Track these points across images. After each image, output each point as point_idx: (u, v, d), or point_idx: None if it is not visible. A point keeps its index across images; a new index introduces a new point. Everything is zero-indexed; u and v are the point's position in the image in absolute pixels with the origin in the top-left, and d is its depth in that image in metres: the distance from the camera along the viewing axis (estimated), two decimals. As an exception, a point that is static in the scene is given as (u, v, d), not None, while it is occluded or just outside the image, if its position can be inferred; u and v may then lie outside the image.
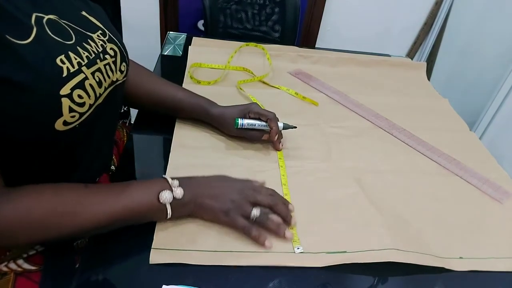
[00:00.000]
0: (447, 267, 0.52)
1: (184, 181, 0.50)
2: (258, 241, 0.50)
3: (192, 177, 0.53)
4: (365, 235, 0.54)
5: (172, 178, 0.50)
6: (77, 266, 0.54)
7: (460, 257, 0.54)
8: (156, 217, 0.50)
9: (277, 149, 0.69)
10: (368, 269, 0.51)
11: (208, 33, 1.36)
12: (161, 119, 0.73)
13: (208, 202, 0.51)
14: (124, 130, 0.77)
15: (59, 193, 0.45)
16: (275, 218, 0.52)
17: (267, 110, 0.66)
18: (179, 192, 0.49)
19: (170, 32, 1.11)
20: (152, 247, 0.48)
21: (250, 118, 0.66)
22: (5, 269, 0.52)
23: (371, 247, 0.52)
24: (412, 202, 0.62)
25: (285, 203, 0.55)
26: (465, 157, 0.73)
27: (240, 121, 0.66)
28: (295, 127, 0.69)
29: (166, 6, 1.60)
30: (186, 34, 1.10)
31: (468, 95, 1.60)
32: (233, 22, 1.37)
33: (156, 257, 0.47)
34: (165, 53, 1.00)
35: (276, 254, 0.50)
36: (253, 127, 0.66)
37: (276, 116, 0.66)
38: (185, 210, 0.51)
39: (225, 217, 0.51)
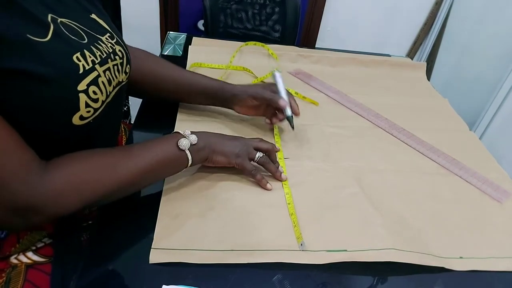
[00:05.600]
0: (447, 267, 0.52)
1: (195, 132, 0.56)
2: (261, 183, 0.59)
3: (200, 131, 0.58)
4: (365, 235, 0.54)
5: (183, 131, 0.56)
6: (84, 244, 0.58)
7: (460, 257, 0.54)
8: (180, 165, 0.55)
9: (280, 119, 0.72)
10: (368, 269, 0.51)
11: (209, 33, 1.36)
12: (161, 119, 0.73)
13: (220, 147, 0.58)
14: (122, 126, 0.77)
15: (97, 156, 0.48)
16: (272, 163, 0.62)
17: (282, 99, 0.67)
18: (193, 138, 0.55)
19: (170, 32, 1.11)
20: (152, 247, 0.48)
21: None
22: (15, 261, 0.53)
23: (371, 246, 0.52)
24: (412, 202, 0.62)
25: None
26: (465, 157, 0.73)
27: (277, 73, 0.69)
28: (293, 128, 0.70)
29: (166, 6, 1.60)
30: (186, 34, 1.10)
31: (468, 95, 1.60)
32: (234, 22, 1.37)
33: (156, 256, 0.47)
34: (165, 53, 1.00)
35: (276, 252, 0.50)
36: (279, 87, 0.69)
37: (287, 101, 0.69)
38: (202, 155, 0.56)
39: (236, 158, 0.58)
